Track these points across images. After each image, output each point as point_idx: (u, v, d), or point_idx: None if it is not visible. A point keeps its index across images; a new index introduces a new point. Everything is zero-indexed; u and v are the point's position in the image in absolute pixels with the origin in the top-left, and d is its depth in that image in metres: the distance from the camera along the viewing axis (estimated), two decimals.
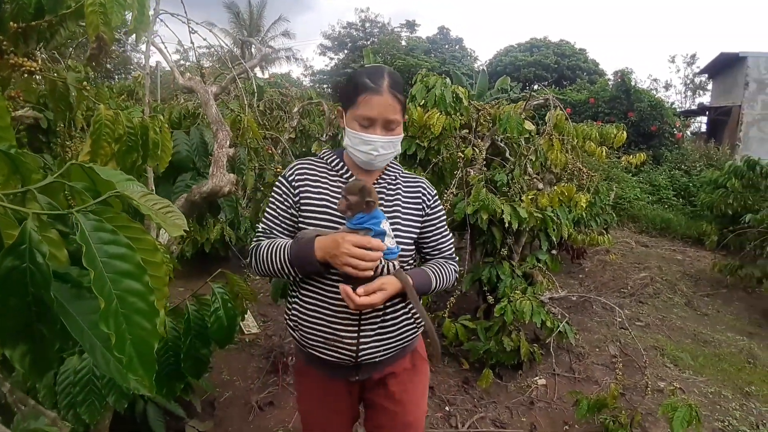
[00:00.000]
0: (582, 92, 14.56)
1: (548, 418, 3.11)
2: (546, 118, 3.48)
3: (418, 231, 1.55)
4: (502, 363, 3.42)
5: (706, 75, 20.28)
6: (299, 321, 1.50)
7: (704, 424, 3.04)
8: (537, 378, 3.50)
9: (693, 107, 20.86)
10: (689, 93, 26.61)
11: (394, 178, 1.56)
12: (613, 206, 6.61)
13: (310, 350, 1.50)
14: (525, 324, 3.31)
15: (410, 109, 3.28)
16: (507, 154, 3.51)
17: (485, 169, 3.57)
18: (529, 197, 3.07)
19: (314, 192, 1.48)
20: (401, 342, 1.53)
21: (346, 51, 29.06)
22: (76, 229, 0.60)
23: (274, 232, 1.51)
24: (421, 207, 1.55)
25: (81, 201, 0.80)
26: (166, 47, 2.28)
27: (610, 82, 15.12)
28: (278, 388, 3.29)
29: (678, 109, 17.60)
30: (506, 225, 3.09)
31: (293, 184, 1.50)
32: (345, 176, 1.50)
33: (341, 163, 1.52)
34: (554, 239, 3.69)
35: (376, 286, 1.33)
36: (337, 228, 1.42)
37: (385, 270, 1.36)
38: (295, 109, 5.60)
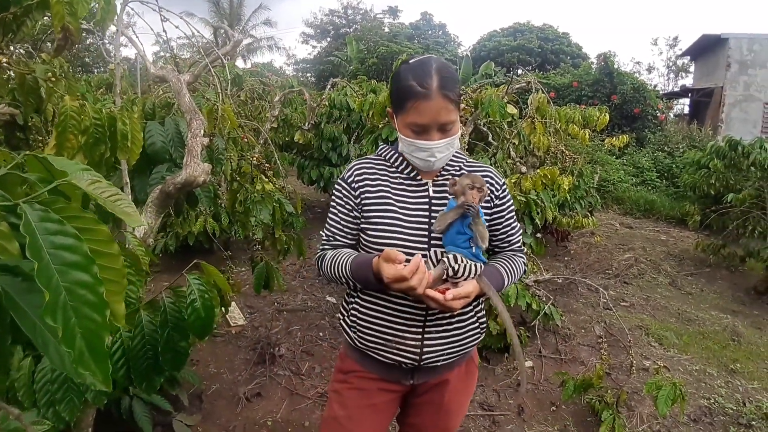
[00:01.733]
0: (565, 76, 14.57)
1: (535, 399, 3.14)
2: (528, 101, 3.46)
3: (487, 224, 1.46)
4: (488, 347, 3.43)
5: (689, 57, 20.39)
6: (358, 320, 1.47)
7: (690, 401, 3.09)
8: (524, 360, 3.52)
9: (676, 89, 20.99)
10: (672, 75, 26.77)
11: (458, 168, 1.47)
12: (597, 189, 6.66)
13: (367, 351, 1.47)
14: (510, 307, 3.32)
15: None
16: (490, 139, 3.49)
17: (468, 153, 3.55)
18: (512, 181, 3.07)
19: (374, 191, 1.44)
20: (464, 346, 1.47)
21: (328, 39, 28.78)
22: (22, 219, 0.57)
23: (338, 238, 1.48)
24: (489, 198, 1.46)
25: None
26: (138, 37, 2.22)
27: (593, 66, 15.14)
28: (266, 378, 3.28)
29: (661, 92, 17.72)
30: None
31: (352, 185, 1.46)
32: (405, 172, 1.44)
33: (400, 158, 1.46)
34: (538, 222, 3.70)
35: (464, 293, 1.27)
36: (400, 229, 1.38)
37: (472, 272, 1.30)
38: (276, 98, 5.53)
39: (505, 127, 3.58)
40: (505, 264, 1.48)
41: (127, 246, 1.52)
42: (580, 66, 16.28)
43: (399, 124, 1.38)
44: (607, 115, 4.68)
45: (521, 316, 3.83)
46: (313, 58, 27.92)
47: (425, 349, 1.41)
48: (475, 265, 1.30)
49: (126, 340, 1.45)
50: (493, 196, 1.46)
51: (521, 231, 1.58)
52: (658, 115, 13.56)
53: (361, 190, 1.45)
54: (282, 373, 3.35)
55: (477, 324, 1.49)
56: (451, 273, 1.28)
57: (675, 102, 19.05)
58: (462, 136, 3.37)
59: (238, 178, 2.14)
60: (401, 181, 1.45)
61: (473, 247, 1.32)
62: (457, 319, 1.44)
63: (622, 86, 13.05)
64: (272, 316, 4.22)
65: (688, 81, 22.44)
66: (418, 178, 1.45)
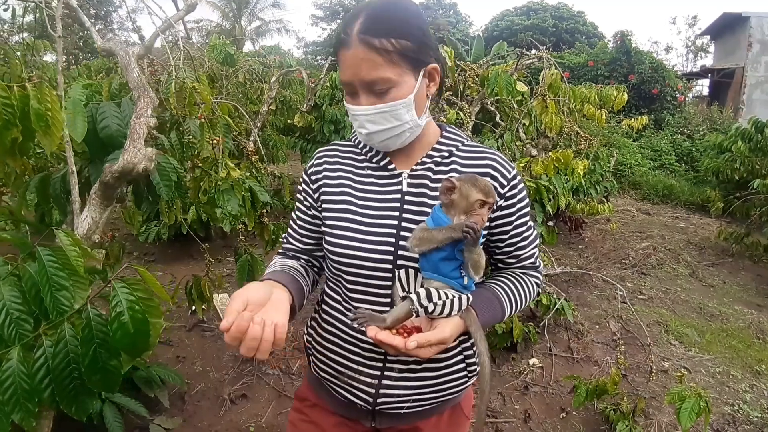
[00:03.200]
0: (581, 55, 14.04)
1: (543, 404, 2.88)
2: (540, 78, 3.15)
3: (485, 231, 1.09)
4: (494, 346, 3.18)
5: (708, 36, 19.69)
6: (314, 343, 1.21)
7: (713, 409, 2.82)
8: (532, 360, 3.26)
9: (695, 69, 20.28)
10: (691, 55, 25.89)
11: (447, 155, 1.12)
12: (613, 173, 6.31)
13: (322, 381, 1.20)
14: None
15: None
16: (498, 119, 3.19)
17: (474, 135, 3.26)
18: (522, 165, 2.77)
19: (332, 184, 1.15)
20: (438, 395, 1.14)
21: (338, 20, 28.26)
22: None
23: (291, 241, 1.24)
24: None
25: None
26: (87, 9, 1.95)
27: (609, 45, 14.59)
28: (253, 378, 3.06)
29: (679, 72, 17.09)
30: None
31: (311, 177, 1.18)
32: (375, 160, 1.13)
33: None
34: (550, 210, 3.41)
35: (436, 339, 0.95)
36: (358, 236, 1.07)
37: (455, 308, 0.97)
38: (273, 79, 5.24)
39: (515, 106, 3.28)
40: (508, 287, 1.14)
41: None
42: (595, 45, 15.72)
43: None
44: (625, 94, 4.35)
45: (531, 310, 3.56)
46: (323, 40, 27.47)
47: (381, 391, 1.11)
48: (459, 299, 0.98)
49: (49, 357, 1.21)
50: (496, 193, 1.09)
51: (537, 241, 1.21)
52: (678, 96, 13.04)
53: (320, 183, 1.16)
54: (271, 372, 3.13)
55: (463, 366, 1.15)
56: (418, 314, 0.98)
57: (694, 83, 18.41)
58: (467, 115, 3.07)
59: (200, 164, 1.87)
60: (370, 172, 1.13)
61: (465, 278, 0.99)
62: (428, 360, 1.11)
63: (640, 66, 12.54)
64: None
65: (707, 61, 21.67)
66: (391, 167, 1.12)
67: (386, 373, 1.11)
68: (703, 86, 18.59)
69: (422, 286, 1.00)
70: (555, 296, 2.99)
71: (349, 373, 1.13)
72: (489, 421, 2.70)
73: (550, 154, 2.81)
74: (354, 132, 1.17)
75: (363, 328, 1.00)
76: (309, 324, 1.26)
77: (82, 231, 1.54)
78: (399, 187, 1.10)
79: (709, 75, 16.51)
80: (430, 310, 0.95)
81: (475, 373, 1.18)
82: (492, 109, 3.28)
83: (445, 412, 1.21)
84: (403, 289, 1.03)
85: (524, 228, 1.15)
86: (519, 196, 1.12)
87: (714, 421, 2.76)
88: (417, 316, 0.98)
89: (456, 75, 3.21)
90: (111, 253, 2.71)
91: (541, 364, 3.24)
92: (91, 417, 2.36)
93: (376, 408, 1.12)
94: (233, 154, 4.75)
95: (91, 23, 1.71)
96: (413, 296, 0.96)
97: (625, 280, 4.75)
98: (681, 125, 11.67)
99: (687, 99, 14.13)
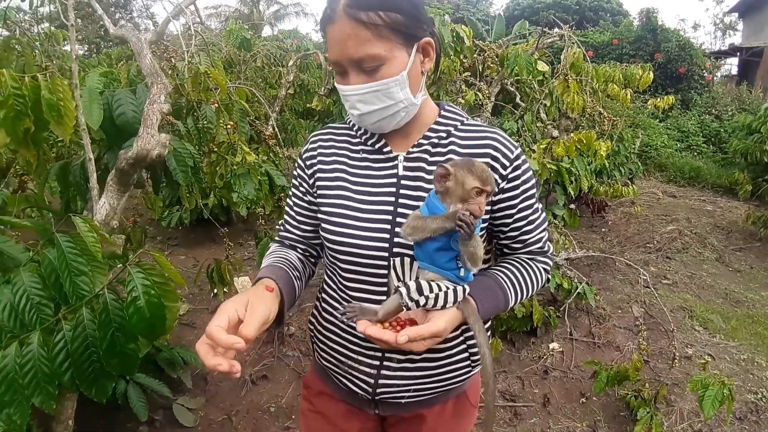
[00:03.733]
0: (605, 33, 13.65)
1: (563, 389, 2.85)
2: (562, 57, 3.06)
3: (486, 217, 1.06)
4: (513, 329, 3.15)
5: (737, 14, 18.96)
6: (317, 331, 1.20)
7: (736, 397, 2.76)
8: (552, 344, 3.23)
9: (723, 48, 19.57)
10: (719, 33, 24.98)
11: (444, 135, 1.06)
12: (638, 154, 6.16)
13: (326, 369, 1.20)
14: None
15: None
16: (518, 100, 3.12)
17: (493, 117, 3.20)
18: (542, 147, 2.71)
19: (327, 170, 1.11)
20: (440, 385, 1.11)
21: None
22: None
23: (288, 228, 1.19)
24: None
25: None
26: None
27: (635, 22, 14.15)
28: (273, 360, 3.10)
29: (707, 51, 16.52)
30: None
31: (306, 162, 1.14)
32: (370, 143, 1.08)
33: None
34: (572, 192, 3.34)
35: (429, 333, 0.90)
36: (353, 223, 1.04)
37: (449, 298, 0.92)
38: (291, 62, 5.21)
39: (536, 86, 3.20)
40: (513, 273, 1.08)
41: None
42: (620, 23, 15.25)
43: None
44: (651, 73, 4.22)
45: (551, 294, 3.52)
46: None
47: (381, 381, 1.09)
48: (455, 290, 0.93)
49: (69, 341, 1.23)
50: (496, 176, 1.01)
51: (545, 225, 1.14)
52: (705, 75, 12.61)
53: (315, 168, 1.12)
54: (291, 354, 3.17)
55: (466, 356, 1.11)
56: (409, 309, 0.93)
57: (722, 61, 17.79)
58: (485, 96, 3.01)
59: (216, 149, 1.87)
60: (365, 155, 1.09)
61: (461, 269, 0.94)
62: (429, 349, 1.08)
63: (667, 44, 12.13)
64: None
65: (736, 39, 20.92)
66: (386, 150, 1.07)
67: (385, 363, 1.08)
68: (731, 65, 17.96)
69: (417, 277, 0.97)
70: (576, 280, 2.94)
71: (349, 362, 1.11)
72: (507, 405, 2.69)
73: (572, 135, 2.74)
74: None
75: (353, 323, 0.98)
76: (312, 312, 1.25)
77: (100, 217, 1.56)
78: (395, 170, 1.05)
79: (738, 53, 15.94)
80: (421, 303, 0.91)
81: (479, 362, 1.15)
82: (512, 89, 3.20)
83: (450, 400, 1.18)
84: (399, 279, 0.99)
85: (530, 211, 1.08)
86: (523, 177, 1.05)
87: (737, 409, 2.70)
88: (408, 309, 0.93)
89: (475, 55, 3.14)
90: (133, 237, 2.75)
91: (561, 349, 3.21)
92: (116, 397, 2.43)
93: (376, 397, 1.11)
94: (252, 139, 4.79)
95: (102, 11, 1.71)
96: (402, 290, 0.91)
97: (649, 265, 4.66)
98: (709, 105, 11.31)
99: (715, 78, 13.66)
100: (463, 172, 0.90)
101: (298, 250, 1.20)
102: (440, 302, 0.91)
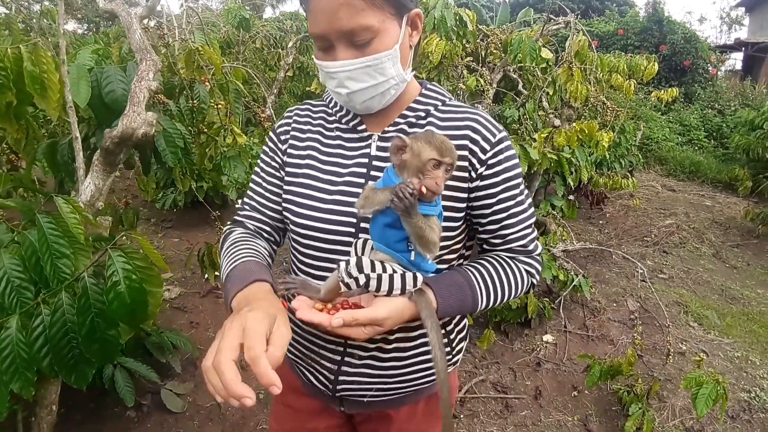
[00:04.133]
0: (610, 23, 13.49)
1: (555, 381, 2.83)
2: (566, 45, 2.99)
3: (462, 206, 0.97)
4: (506, 320, 3.13)
5: (743, 8, 18.76)
6: None
7: (729, 395, 2.75)
8: (546, 336, 3.21)
9: (729, 42, 19.39)
10: (725, 27, 24.76)
11: (423, 114, 0.99)
12: (639, 147, 6.10)
13: (290, 360, 1.13)
14: None
15: None
16: (520, 87, 3.06)
17: (494, 104, 3.13)
18: (543, 136, 2.66)
19: (300, 146, 1.04)
20: (407, 385, 1.04)
21: None
22: None
23: (255, 205, 1.09)
24: (466, 165, 0.94)
25: None
26: None
27: (641, 13, 13.98)
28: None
29: (712, 45, 16.37)
30: None
31: (280, 136, 1.07)
32: (345, 120, 1.01)
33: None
34: (572, 183, 3.30)
35: (365, 318, 0.82)
36: (318, 204, 0.97)
37: (396, 283, 0.83)
38: (290, 44, 5.12)
39: (539, 74, 3.13)
40: (486, 271, 0.97)
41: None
42: (626, 14, 15.08)
43: None
44: (656, 65, 4.15)
45: (547, 285, 3.49)
46: None
47: (341, 378, 1.03)
48: (403, 276, 0.84)
49: (47, 326, 1.19)
50: (475, 160, 0.94)
51: (531, 221, 1.02)
52: (710, 69, 12.49)
53: (289, 144, 1.05)
54: None
55: (449, 349, 1.06)
56: (347, 287, 0.83)
57: (727, 56, 17.65)
58: (487, 83, 2.94)
59: (206, 130, 1.81)
60: (339, 134, 1.02)
61: (412, 253, 0.86)
62: (393, 346, 1.00)
63: (673, 36, 11.99)
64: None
65: (742, 34, 20.73)
66: (360, 128, 1.00)
67: (346, 359, 1.01)
68: (736, 60, 17.82)
69: (368, 257, 0.87)
70: (573, 272, 2.91)
71: (311, 355, 1.05)
72: (499, 397, 2.67)
73: (574, 125, 2.68)
74: (327, 90, 1.04)
75: (291, 296, 0.90)
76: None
77: (85, 198, 1.51)
78: (367, 150, 0.98)
79: (743, 48, 15.80)
80: (361, 281, 0.80)
81: (453, 361, 1.10)
82: (515, 76, 3.14)
83: (421, 401, 1.11)
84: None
85: (512, 203, 0.97)
86: (506, 165, 0.95)
87: (729, 407, 2.68)
88: (348, 290, 0.84)
89: (478, 40, 3.07)
90: (125, 219, 2.70)
91: (554, 341, 3.19)
92: (103, 381, 2.40)
93: (337, 394, 1.05)
94: (250, 122, 4.70)
95: None
96: (341, 265, 0.82)
97: (645, 258, 4.63)
98: (712, 100, 11.21)
99: (719, 73, 13.54)
100: (420, 143, 0.82)
101: (264, 235, 1.11)
102: (384, 286, 0.82)
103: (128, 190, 4.96)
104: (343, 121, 1.01)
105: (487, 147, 0.94)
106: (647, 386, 2.49)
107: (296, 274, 1.06)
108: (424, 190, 0.80)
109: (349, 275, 0.81)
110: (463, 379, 2.77)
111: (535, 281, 1.05)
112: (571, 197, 3.48)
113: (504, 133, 0.98)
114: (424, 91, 1.02)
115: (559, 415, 2.57)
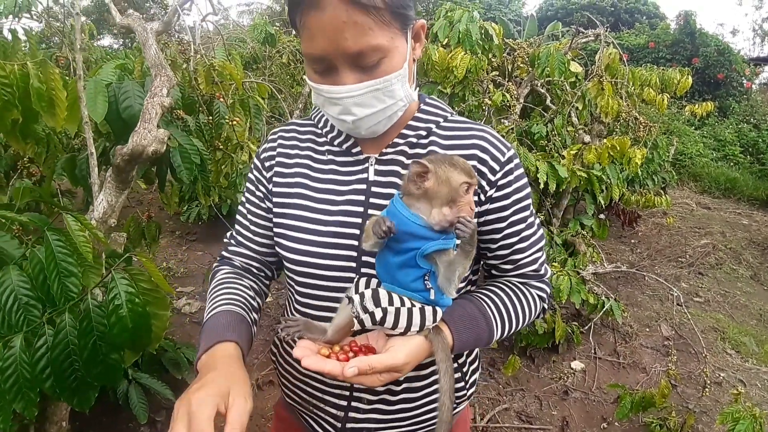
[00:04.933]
0: (641, 36, 13.25)
1: (584, 411, 2.69)
2: (596, 58, 2.89)
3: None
4: (533, 345, 3.00)
5: None
6: (276, 364, 1.04)
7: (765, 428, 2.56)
8: (574, 362, 3.06)
9: (762, 55, 18.82)
10: (758, 40, 24.05)
11: (424, 133, 0.90)
12: (672, 163, 5.89)
13: (292, 404, 1.04)
14: (561, 303, 2.85)
15: (430, 49, 2.76)
16: (549, 102, 2.96)
17: (522, 119, 3.04)
18: (572, 152, 2.55)
19: (287, 173, 0.94)
20: (420, 427, 0.96)
21: None
22: None
23: (242, 240, 1.01)
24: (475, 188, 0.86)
25: None
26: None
27: (672, 25, 13.69)
28: None
29: (746, 57, 15.91)
30: (541, 185, 2.59)
31: (264, 162, 0.97)
32: (337, 143, 0.92)
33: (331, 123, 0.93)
34: (602, 202, 3.16)
35: (383, 366, 0.73)
36: (313, 238, 0.88)
37: (415, 319, 0.75)
38: None
39: (567, 88, 3.03)
40: (501, 300, 0.90)
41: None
42: (656, 26, 14.79)
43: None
44: (690, 78, 4.02)
45: (576, 309, 3.35)
46: None
47: (349, 426, 0.94)
48: (422, 310, 0.76)
49: (51, 347, 1.15)
50: (484, 182, 0.86)
51: (541, 244, 0.96)
52: (744, 82, 12.11)
53: (274, 171, 0.96)
54: None
55: (462, 384, 0.97)
56: (361, 324, 0.74)
57: (761, 68, 17.11)
58: (514, 98, 2.86)
59: (221, 147, 1.77)
60: (331, 157, 0.93)
61: (431, 291, 0.77)
62: (405, 386, 0.91)
63: (705, 48, 11.71)
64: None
65: None
66: (355, 151, 0.91)
67: (353, 403, 0.92)
68: None
69: None
70: (604, 296, 2.77)
71: (313, 401, 0.96)
72: (523, 427, 2.54)
73: (605, 141, 2.57)
74: (315, 108, 0.95)
75: (293, 340, 0.80)
76: (273, 339, 1.08)
77: (97, 215, 1.48)
78: (365, 175, 0.89)
79: None
80: (377, 317, 0.72)
81: (466, 397, 1.00)
82: (542, 91, 3.04)
83: None
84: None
85: (522, 225, 0.90)
86: (516, 185, 0.88)
87: None
88: (362, 327, 0.75)
89: (504, 54, 2.99)
90: (148, 233, 2.70)
91: (583, 368, 3.04)
92: (117, 397, 2.36)
93: None
94: None
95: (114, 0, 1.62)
96: (355, 297, 0.74)
97: (680, 280, 4.43)
98: (747, 114, 10.85)
99: (754, 86, 13.13)
100: (446, 167, 0.74)
101: (253, 271, 1.03)
102: (402, 322, 0.74)
103: (153, 203, 5.00)
104: (336, 143, 0.92)
105: (497, 167, 0.87)
106: (681, 420, 2.33)
107: (293, 314, 0.97)
108: (443, 222, 0.74)
109: (365, 310, 0.73)
110: (486, 407, 2.65)
111: (546, 306, 0.99)
112: (602, 216, 3.34)
113: (513, 151, 0.90)
114: (423, 107, 0.93)
115: None
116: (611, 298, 2.76)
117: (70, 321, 1.12)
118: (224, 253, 1.05)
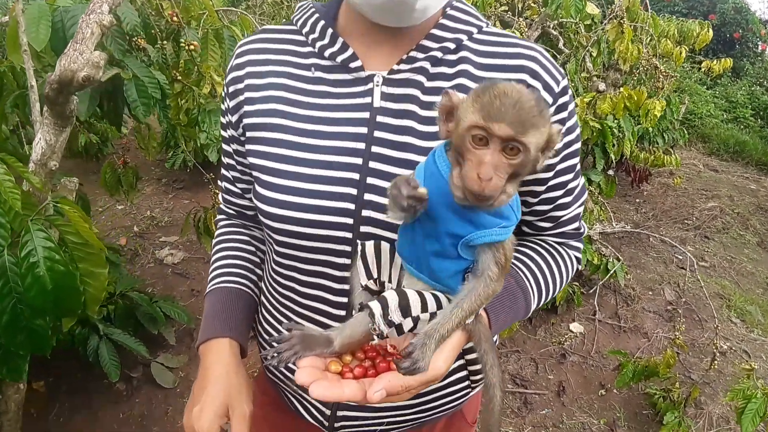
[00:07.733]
0: None
1: (581, 377, 2.57)
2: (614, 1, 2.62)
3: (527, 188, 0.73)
4: None
5: None
6: (259, 335, 0.86)
7: None
8: (574, 325, 2.92)
9: None
10: None
11: (452, 47, 0.68)
12: (681, 122, 5.63)
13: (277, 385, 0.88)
14: None
15: None
16: (561, 45, 2.70)
17: None
18: (586, 101, 2.32)
19: (258, 93, 0.72)
20: (427, 414, 0.81)
21: None
22: None
23: (226, 185, 0.85)
24: None
25: None
26: None
27: None
28: None
29: (762, 19, 15.31)
30: None
31: (229, 88, 0.76)
32: (329, 53, 0.68)
33: (321, 23, 0.70)
34: (614, 157, 2.94)
35: (418, 382, 0.57)
36: (297, 173, 0.66)
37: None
38: None
39: (582, 31, 2.76)
40: (539, 269, 0.74)
41: None
42: None
43: None
44: (711, 31, 3.76)
45: (578, 269, 3.19)
46: None
47: (340, 413, 0.77)
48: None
49: None
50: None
51: (584, 196, 0.78)
52: (759, 43, 11.66)
53: (245, 97, 0.72)
54: None
55: (464, 375, 0.79)
56: (380, 335, 0.56)
57: None
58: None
59: (180, 78, 1.53)
60: (320, 75, 0.69)
61: (466, 286, 0.56)
62: None
63: (723, 5, 11.20)
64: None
65: None
66: (355, 65, 0.67)
67: None
68: None
69: (399, 282, 0.60)
70: (613, 258, 2.59)
71: (301, 389, 0.79)
72: (517, 391, 2.42)
73: (621, 90, 2.33)
74: (299, 8, 0.73)
75: (293, 366, 0.61)
76: (258, 311, 0.89)
77: (35, 156, 1.26)
78: (367, 99, 0.67)
79: None
80: (406, 328, 0.56)
81: (479, 382, 0.83)
82: (555, 33, 2.77)
83: (442, 420, 0.87)
84: (368, 276, 0.62)
85: (570, 176, 0.72)
86: (569, 124, 0.68)
87: None
88: (380, 339, 0.57)
89: None
90: (124, 180, 2.51)
91: (582, 331, 2.90)
92: (87, 354, 2.22)
93: (335, 428, 0.80)
94: None
95: None
96: (375, 308, 0.55)
97: (686, 243, 4.26)
98: (761, 76, 10.46)
99: None
100: (469, 100, 0.51)
101: (247, 216, 0.87)
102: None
103: (134, 148, 4.76)
104: (327, 54, 0.68)
105: (550, 99, 0.65)
106: (686, 392, 2.20)
107: (271, 288, 0.79)
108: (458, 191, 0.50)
109: (390, 324, 0.54)
110: None
111: (580, 267, 0.87)
112: (611, 172, 3.13)
113: (567, 80, 0.68)
114: (450, 11, 0.69)
115: (583, 416, 2.32)
116: (619, 260, 2.58)
117: None
118: (220, 206, 0.91)
